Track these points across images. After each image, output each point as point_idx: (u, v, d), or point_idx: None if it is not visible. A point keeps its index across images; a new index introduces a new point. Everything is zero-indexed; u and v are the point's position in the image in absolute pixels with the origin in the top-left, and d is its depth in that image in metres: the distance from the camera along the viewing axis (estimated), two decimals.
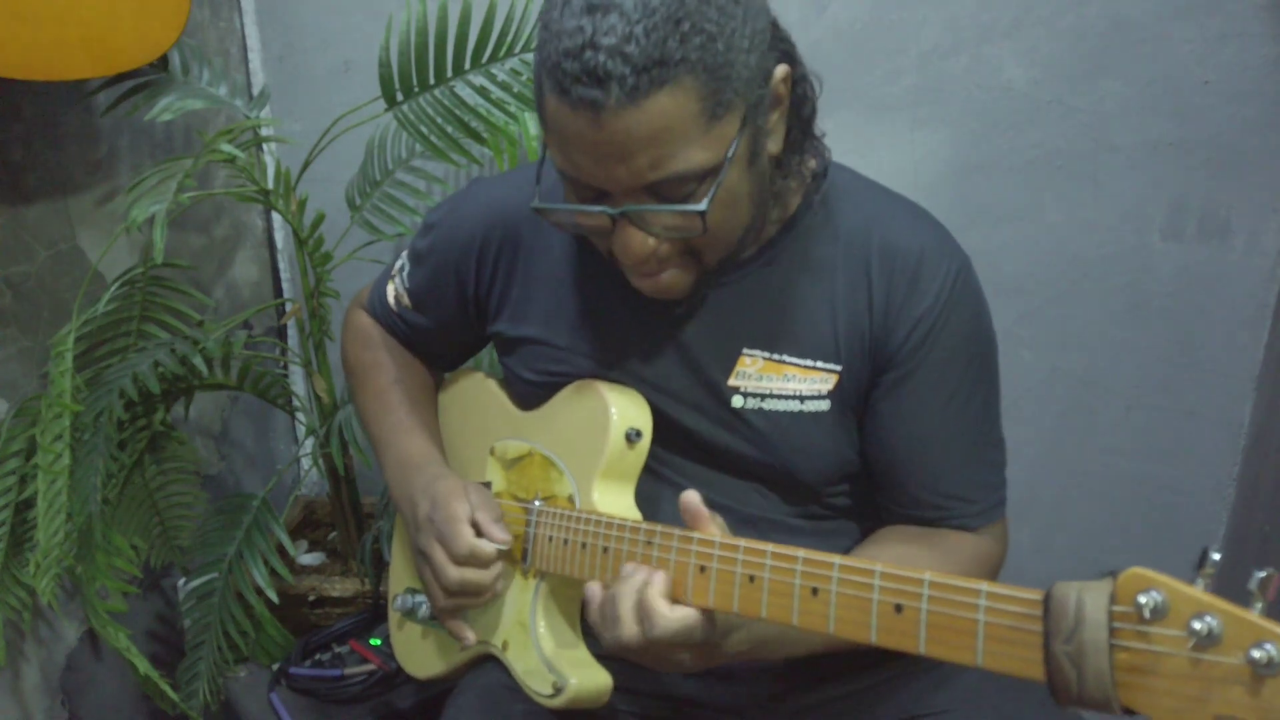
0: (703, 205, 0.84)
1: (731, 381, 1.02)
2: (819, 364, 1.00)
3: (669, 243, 0.90)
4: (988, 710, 0.98)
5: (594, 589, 0.93)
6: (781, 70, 0.89)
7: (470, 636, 1.09)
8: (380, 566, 1.71)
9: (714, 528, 0.87)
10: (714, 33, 0.80)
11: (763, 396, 1.01)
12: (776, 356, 1.01)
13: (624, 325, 1.06)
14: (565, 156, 0.86)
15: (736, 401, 1.02)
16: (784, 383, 1.01)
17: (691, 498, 0.88)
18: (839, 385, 1.01)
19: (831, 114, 1.00)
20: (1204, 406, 1.67)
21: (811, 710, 1.09)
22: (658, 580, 0.87)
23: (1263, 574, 0.54)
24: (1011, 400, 1.08)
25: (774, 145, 0.92)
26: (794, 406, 1.01)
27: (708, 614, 0.86)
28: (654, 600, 0.85)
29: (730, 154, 0.85)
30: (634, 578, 0.88)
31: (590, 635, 1.07)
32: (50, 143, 1.53)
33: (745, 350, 1.02)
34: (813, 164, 0.99)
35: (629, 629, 0.86)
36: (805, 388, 1.01)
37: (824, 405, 1.01)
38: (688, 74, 0.80)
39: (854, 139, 1.68)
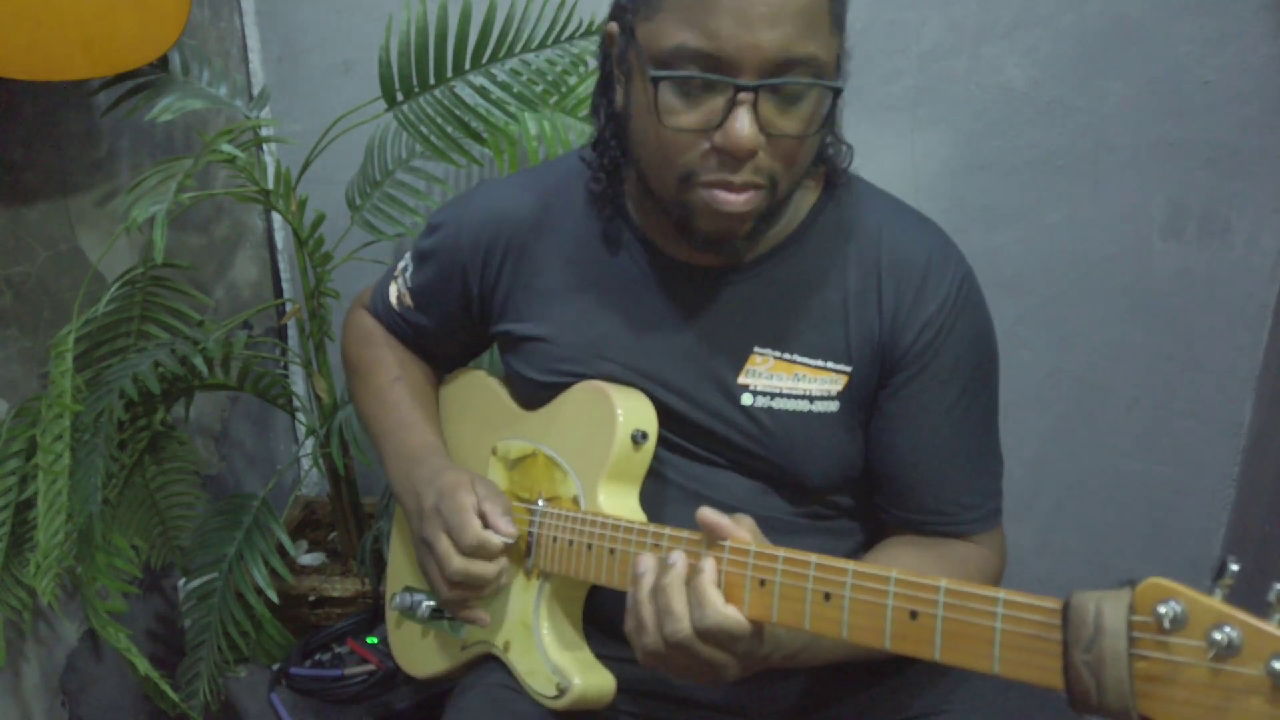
0: (840, 81, 0.88)
1: (741, 380, 1.02)
2: (830, 364, 1.01)
3: (765, 153, 0.88)
4: (998, 712, 0.98)
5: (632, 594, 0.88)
6: None
7: (485, 617, 1.07)
8: (380, 566, 1.71)
9: (744, 532, 0.84)
10: None
11: (772, 395, 1.01)
12: (788, 356, 1.01)
13: (632, 322, 1.06)
14: (701, 27, 0.83)
15: (746, 400, 1.02)
16: (794, 382, 1.01)
17: (707, 514, 0.84)
18: (849, 386, 1.01)
19: None
20: (1204, 406, 1.67)
21: (822, 714, 1.08)
22: (709, 567, 0.83)
23: None
24: (1011, 400, 1.08)
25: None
26: (803, 406, 1.01)
27: (757, 625, 0.82)
28: (706, 586, 0.82)
29: (839, 76, 0.90)
30: (678, 566, 0.84)
31: (593, 636, 1.08)
32: (50, 143, 1.52)
33: (756, 349, 1.02)
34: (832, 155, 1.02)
35: (678, 612, 0.82)
36: (815, 388, 1.01)
37: (833, 406, 1.01)
38: None
39: (854, 139, 1.66)
